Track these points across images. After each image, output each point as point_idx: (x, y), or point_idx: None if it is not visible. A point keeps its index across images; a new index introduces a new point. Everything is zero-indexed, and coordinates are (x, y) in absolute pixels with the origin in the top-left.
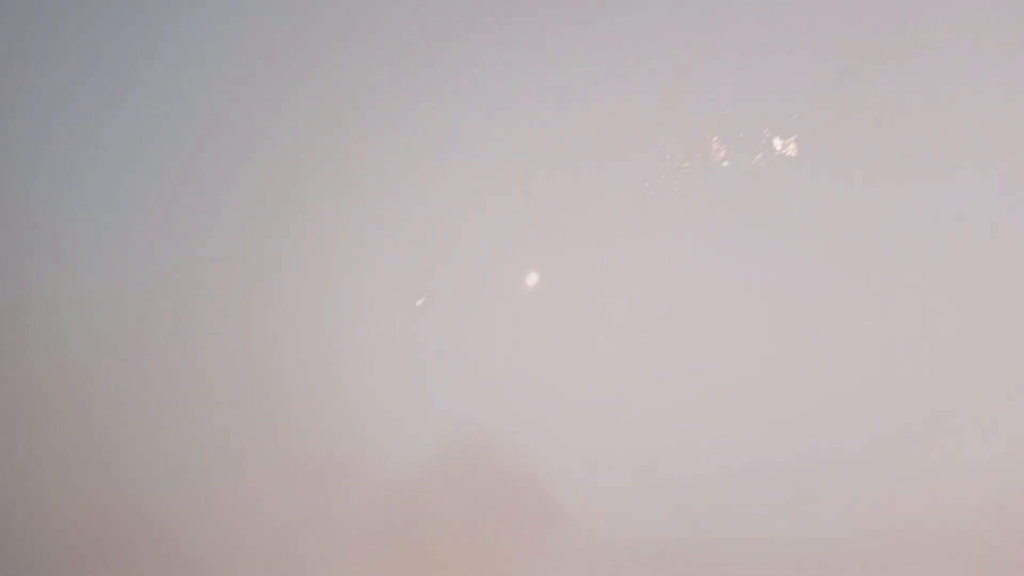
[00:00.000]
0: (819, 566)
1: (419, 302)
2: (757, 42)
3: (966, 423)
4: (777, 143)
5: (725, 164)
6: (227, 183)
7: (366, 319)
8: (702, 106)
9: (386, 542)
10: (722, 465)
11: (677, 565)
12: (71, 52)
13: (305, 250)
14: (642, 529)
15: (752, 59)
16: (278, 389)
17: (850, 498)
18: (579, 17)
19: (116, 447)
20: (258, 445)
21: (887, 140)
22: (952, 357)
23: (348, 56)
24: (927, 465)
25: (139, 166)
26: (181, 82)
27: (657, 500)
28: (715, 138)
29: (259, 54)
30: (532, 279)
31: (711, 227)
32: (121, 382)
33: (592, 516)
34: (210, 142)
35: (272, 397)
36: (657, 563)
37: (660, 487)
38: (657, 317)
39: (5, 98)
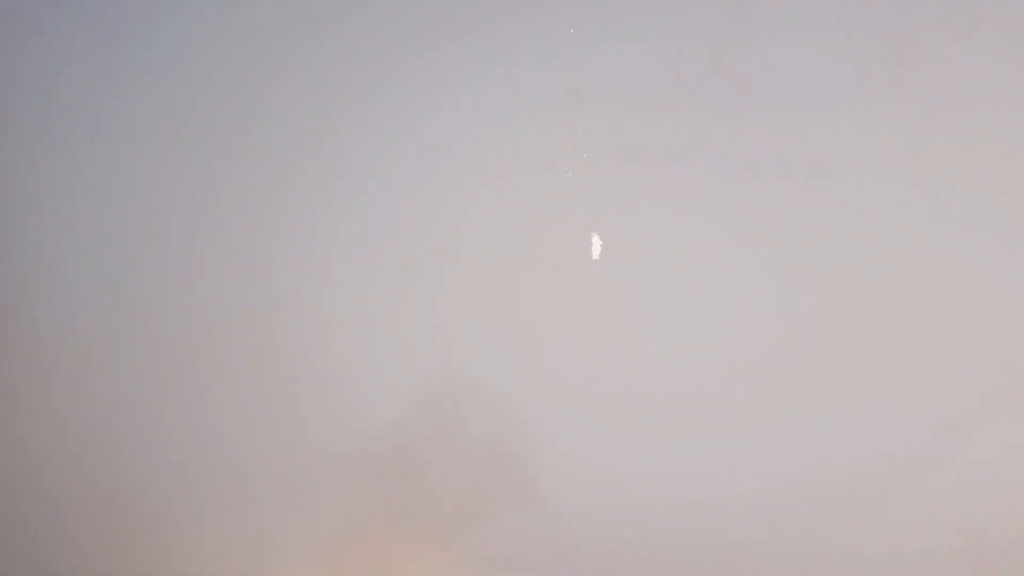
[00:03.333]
0: None
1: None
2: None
3: (979, 434)
4: (780, 142)
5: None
6: (229, 156)
7: (349, 280)
8: (705, 109)
9: (365, 499)
10: (718, 476)
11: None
12: (69, 52)
13: (294, 224)
14: (620, 526)
15: (762, 59)
16: (264, 348)
17: (863, 516)
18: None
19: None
20: (241, 399)
21: (892, 139)
22: (962, 365)
23: (346, 52)
24: (940, 481)
25: (136, 162)
26: (179, 80)
27: (641, 504)
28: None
29: (257, 51)
30: (530, 247)
31: (723, 237)
32: (115, 349)
33: (564, 489)
34: (206, 135)
35: (257, 356)
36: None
37: (647, 490)
38: (660, 317)
39: (5, 99)
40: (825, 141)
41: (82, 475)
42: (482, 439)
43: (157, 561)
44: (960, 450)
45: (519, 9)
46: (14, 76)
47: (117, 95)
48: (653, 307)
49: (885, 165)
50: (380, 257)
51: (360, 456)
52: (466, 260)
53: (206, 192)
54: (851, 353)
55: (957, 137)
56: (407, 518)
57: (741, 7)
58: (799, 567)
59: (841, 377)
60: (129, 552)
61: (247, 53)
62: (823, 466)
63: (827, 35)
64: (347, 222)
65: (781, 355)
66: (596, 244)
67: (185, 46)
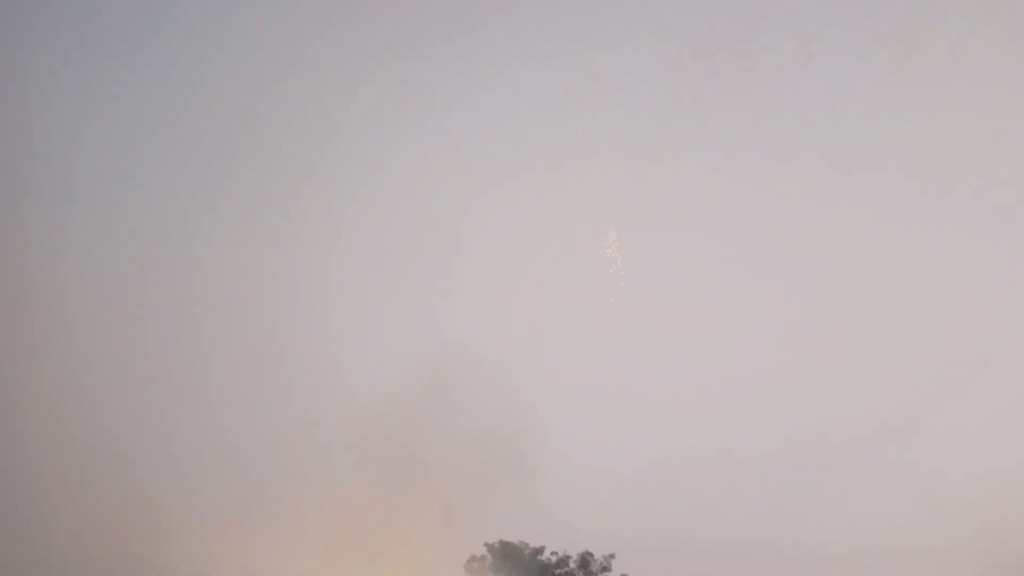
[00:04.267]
0: (796, 566)
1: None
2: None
3: (945, 424)
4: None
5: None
6: (231, 157)
7: (349, 274)
8: (707, 109)
9: (361, 464)
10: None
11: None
12: (74, 55)
13: (295, 215)
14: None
15: (769, 64)
16: (264, 323)
17: (831, 498)
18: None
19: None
20: (241, 372)
21: (891, 144)
22: (963, 365)
23: (348, 51)
24: (941, 481)
25: (136, 162)
26: (179, 81)
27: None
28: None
29: (258, 53)
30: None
31: (723, 236)
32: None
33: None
34: (208, 137)
35: (258, 330)
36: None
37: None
38: (659, 316)
39: (8, 99)
40: (827, 141)
41: (81, 458)
42: (485, 425)
43: (158, 541)
44: (962, 451)
45: (522, 11)
46: (14, 76)
47: (117, 95)
48: (652, 306)
49: (886, 165)
50: (380, 255)
51: (361, 442)
52: (468, 255)
53: (206, 190)
54: (851, 354)
55: (958, 138)
56: (408, 496)
57: (745, 10)
58: (797, 564)
59: (842, 378)
60: (127, 535)
61: (247, 55)
62: (823, 467)
63: (832, 37)
64: (350, 209)
65: (781, 355)
66: (598, 239)
67: (185, 49)
